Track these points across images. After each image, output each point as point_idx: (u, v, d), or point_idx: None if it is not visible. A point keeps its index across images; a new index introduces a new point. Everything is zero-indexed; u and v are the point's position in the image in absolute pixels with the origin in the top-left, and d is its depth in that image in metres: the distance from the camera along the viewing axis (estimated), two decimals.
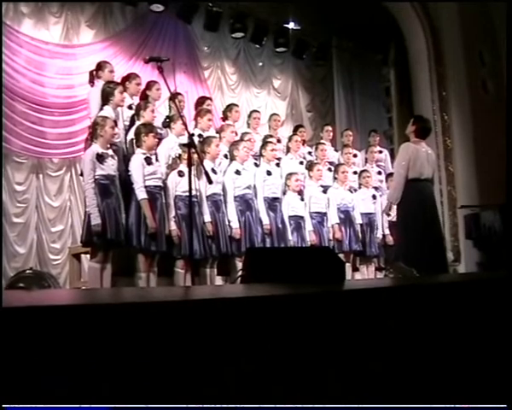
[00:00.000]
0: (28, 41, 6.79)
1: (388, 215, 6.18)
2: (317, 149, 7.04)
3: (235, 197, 5.59)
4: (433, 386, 1.52)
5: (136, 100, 5.71)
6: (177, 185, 5.13)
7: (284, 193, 6.15)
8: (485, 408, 1.36)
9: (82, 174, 4.95)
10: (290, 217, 6.07)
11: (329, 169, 6.95)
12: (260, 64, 9.28)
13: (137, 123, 5.24)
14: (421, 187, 5.37)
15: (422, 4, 9.13)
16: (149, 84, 5.83)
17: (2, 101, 6.14)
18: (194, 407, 1.01)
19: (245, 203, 5.63)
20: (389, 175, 7.01)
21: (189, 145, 4.19)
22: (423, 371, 1.52)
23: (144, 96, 5.74)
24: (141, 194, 4.82)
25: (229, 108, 6.70)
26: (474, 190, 8.65)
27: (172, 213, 5.08)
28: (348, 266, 6.26)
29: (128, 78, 5.80)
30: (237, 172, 5.63)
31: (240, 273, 2.79)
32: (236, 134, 6.21)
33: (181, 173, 5.14)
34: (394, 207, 5.80)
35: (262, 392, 1.14)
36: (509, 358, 1.60)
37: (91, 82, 5.67)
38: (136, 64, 7.39)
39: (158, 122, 5.65)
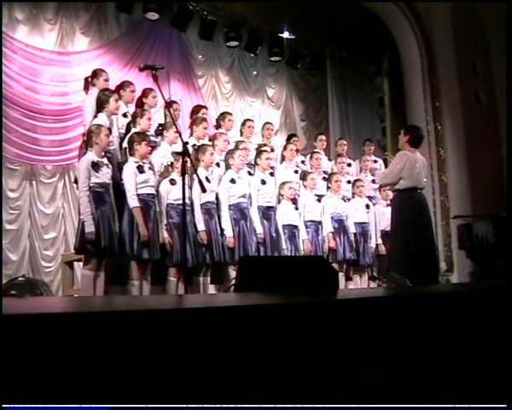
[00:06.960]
0: (22, 48, 6.77)
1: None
2: (311, 158, 7.03)
3: (229, 206, 5.56)
4: (431, 388, 1.52)
5: (131, 108, 5.69)
6: (169, 194, 5.12)
7: (279, 202, 6.14)
8: (485, 408, 1.36)
9: (76, 181, 4.93)
10: (284, 226, 6.05)
11: (324, 178, 6.95)
12: (254, 73, 9.30)
13: (133, 130, 5.23)
14: (416, 197, 5.39)
15: (416, 15, 9.20)
16: (145, 92, 5.81)
17: (1, 102, 6.16)
18: (191, 407, 1.01)
19: (239, 212, 5.61)
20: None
21: (183, 153, 4.18)
22: (418, 376, 1.53)
23: (140, 104, 5.72)
24: (133, 202, 4.81)
25: (223, 116, 6.67)
26: (466, 200, 8.69)
27: (164, 222, 5.07)
28: (341, 276, 6.26)
29: (122, 85, 5.78)
30: (232, 181, 5.61)
31: (233, 282, 2.79)
32: (229, 143, 6.17)
33: (173, 182, 5.13)
34: (388, 214, 5.85)
35: (254, 399, 1.14)
36: (508, 359, 1.61)
37: (86, 89, 5.65)
38: (131, 72, 7.38)
39: (152, 130, 5.63)
